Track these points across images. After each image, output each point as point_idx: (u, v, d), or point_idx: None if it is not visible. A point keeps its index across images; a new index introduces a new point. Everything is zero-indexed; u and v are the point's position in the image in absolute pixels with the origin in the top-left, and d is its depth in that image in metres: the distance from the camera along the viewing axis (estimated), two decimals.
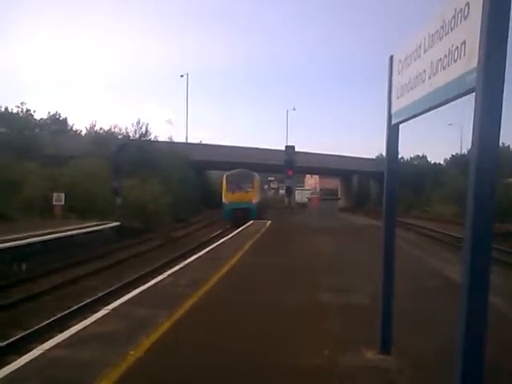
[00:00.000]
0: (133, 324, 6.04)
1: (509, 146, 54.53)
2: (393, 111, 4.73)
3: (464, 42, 2.93)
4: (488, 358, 2.67)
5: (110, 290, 10.81)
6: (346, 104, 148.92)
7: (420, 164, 63.57)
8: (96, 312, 6.81)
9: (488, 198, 2.55)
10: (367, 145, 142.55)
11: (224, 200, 33.66)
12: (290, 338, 5.71)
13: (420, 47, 3.84)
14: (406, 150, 65.31)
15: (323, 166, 59.94)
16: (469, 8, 2.88)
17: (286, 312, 6.95)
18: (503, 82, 2.52)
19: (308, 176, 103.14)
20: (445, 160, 64.07)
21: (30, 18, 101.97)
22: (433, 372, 4.71)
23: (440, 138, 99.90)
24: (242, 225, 25.40)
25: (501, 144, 55.68)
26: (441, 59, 3.33)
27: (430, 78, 3.57)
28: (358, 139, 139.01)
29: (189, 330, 5.96)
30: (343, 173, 67.15)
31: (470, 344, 2.63)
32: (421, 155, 66.54)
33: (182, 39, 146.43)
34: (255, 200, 33.78)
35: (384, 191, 4.86)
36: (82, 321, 6.40)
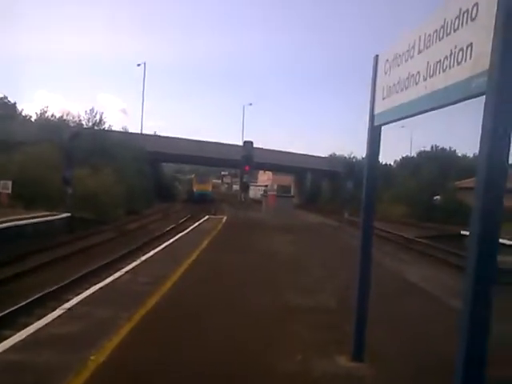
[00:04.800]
0: (91, 326, 5.67)
1: (455, 150, 56.70)
2: (376, 112, 4.62)
3: (470, 44, 2.82)
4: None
5: (62, 284, 10.22)
6: (302, 102, 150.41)
7: None
8: (53, 311, 6.33)
9: (496, 207, 2.44)
10: (321, 143, 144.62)
11: (194, 188, 58.79)
12: (258, 338, 5.56)
13: (413, 47, 3.72)
14: (360, 151, 66.59)
15: (277, 162, 60.17)
16: (477, 9, 2.77)
17: (251, 311, 6.79)
18: None
19: (261, 172, 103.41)
20: (395, 161, 65.85)
21: None
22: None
23: (391, 140, 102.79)
24: (200, 218, 26.97)
25: (447, 148, 58.18)
26: (440, 61, 3.22)
27: (425, 79, 3.46)
28: (312, 137, 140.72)
29: (151, 333, 5.66)
30: (297, 170, 67.69)
31: (471, 354, 2.50)
32: None
33: (140, 30, 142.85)
34: (210, 189, 61.37)
35: (363, 192, 4.76)
36: (37, 321, 5.95)
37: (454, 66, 3.04)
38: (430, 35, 3.42)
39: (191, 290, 8.08)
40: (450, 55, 3.08)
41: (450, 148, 57.94)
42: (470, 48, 2.84)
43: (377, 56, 4.63)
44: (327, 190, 65.41)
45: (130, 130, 50.11)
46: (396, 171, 57.81)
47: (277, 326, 6.19)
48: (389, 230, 26.80)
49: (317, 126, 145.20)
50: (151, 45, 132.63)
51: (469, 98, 2.86)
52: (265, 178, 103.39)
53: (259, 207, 37.39)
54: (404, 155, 63.63)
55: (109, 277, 8.87)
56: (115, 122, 48.78)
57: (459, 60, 2.96)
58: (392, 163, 66.13)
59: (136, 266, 10.17)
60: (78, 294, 7.53)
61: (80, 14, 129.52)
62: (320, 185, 68.16)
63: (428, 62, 3.43)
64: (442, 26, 3.22)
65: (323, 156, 68.32)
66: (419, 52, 3.62)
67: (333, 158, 68.09)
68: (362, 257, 4.88)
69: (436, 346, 5.31)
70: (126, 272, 9.18)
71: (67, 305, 6.61)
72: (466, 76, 2.85)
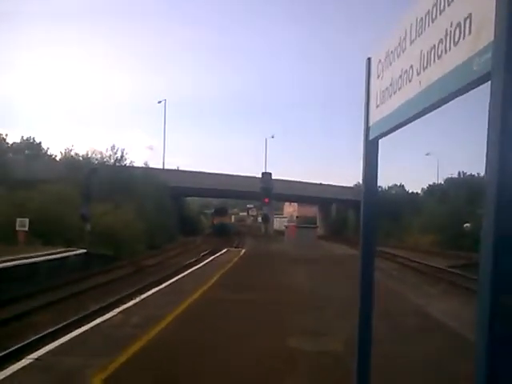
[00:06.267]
0: (54, 379, 4.95)
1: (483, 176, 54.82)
2: (371, 123, 3.90)
3: (469, 16, 2.12)
4: None
5: (57, 327, 9.56)
6: (325, 133, 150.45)
7: (397, 193, 63.52)
8: (19, 361, 5.65)
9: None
10: (345, 173, 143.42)
11: (214, 221, 62.12)
12: None
13: (405, 39, 3.03)
14: (384, 180, 65.50)
15: (302, 193, 59.61)
16: None
17: (254, 365, 5.98)
18: None
19: (287, 204, 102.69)
20: (422, 189, 64.22)
21: (6, 43, 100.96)
22: None
23: (417, 168, 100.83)
24: (220, 249, 26.86)
25: (475, 174, 56.30)
26: (434, 46, 2.51)
27: (419, 73, 2.75)
28: (336, 168, 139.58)
29: None
30: (321, 201, 66.86)
31: None
32: (398, 184, 66.52)
33: (165, 67, 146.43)
34: (230, 221, 67.85)
35: (361, 218, 3.97)
36: None
37: (450, 48, 2.33)
38: (422, 19, 2.73)
39: (183, 332, 7.29)
40: (446, 36, 2.37)
41: (478, 174, 56.19)
42: (468, 20, 2.13)
43: (369, 58, 3.94)
44: (353, 219, 64.12)
45: (153, 166, 50.36)
46: (423, 199, 56.23)
47: (278, 373, 5.38)
48: (416, 259, 25.66)
49: (342, 155, 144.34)
50: (181, 82, 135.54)
51: (471, 86, 2.13)
52: (291, 209, 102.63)
53: (282, 238, 36.60)
54: (431, 183, 61.92)
55: (100, 317, 8.19)
56: (142, 158, 49.44)
57: (456, 39, 2.25)
58: (419, 191, 64.61)
59: (134, 304, 9.50)
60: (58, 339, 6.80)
61: (106, 52, 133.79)
62: (346, 215, 66.97)
63: (421, 51, 2.72)
64: (435, 4, 2.53)
65: (349, 186, 67.44)
66: (411, 42, 2.92)
67: (358, 188, 67.07)
68: (362, 290, 4.00)
69: None
70: (119, 312, 8.48)
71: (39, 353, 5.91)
72: (465, 57, 2.14)
